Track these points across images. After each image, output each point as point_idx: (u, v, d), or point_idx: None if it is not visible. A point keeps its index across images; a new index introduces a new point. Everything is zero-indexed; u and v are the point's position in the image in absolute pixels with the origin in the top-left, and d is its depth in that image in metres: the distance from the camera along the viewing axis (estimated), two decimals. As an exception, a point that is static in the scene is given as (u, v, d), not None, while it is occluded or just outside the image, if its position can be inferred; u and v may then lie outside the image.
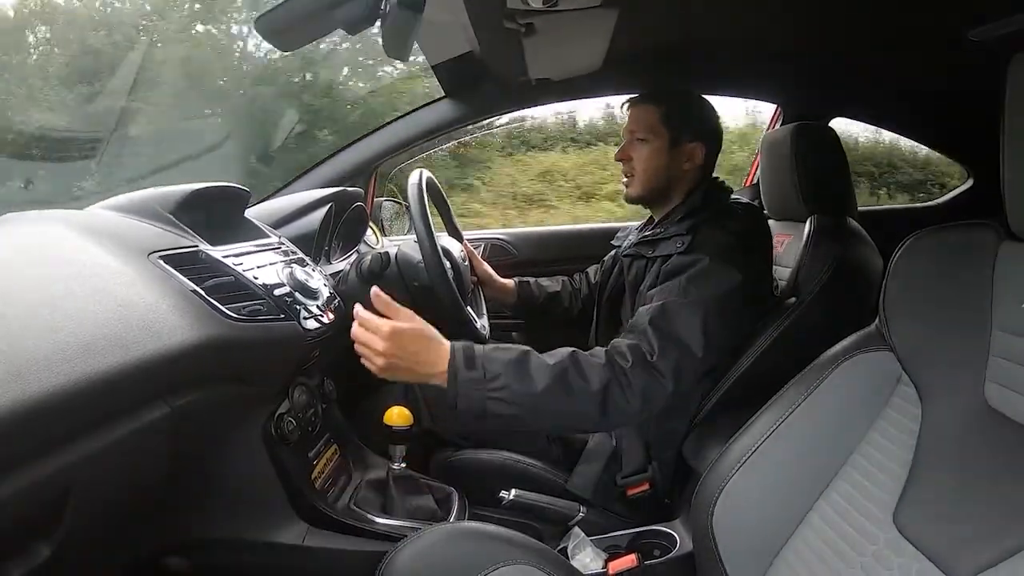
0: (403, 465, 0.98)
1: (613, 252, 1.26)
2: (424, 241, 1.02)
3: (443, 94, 1.44)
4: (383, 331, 0.82)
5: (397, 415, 1.00)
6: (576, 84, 1.39)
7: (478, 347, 0.84)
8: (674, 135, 1.06)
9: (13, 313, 0.54)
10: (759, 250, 1.03)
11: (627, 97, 1.13)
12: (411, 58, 1.52)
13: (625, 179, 1.12)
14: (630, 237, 1.19)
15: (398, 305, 0.84)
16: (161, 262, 0.72)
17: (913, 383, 0.60)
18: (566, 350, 0.88)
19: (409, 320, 0.84)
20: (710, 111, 1.11)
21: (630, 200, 1.13)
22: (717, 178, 1.11)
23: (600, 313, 1.21)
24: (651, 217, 1.17)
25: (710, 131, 1.09)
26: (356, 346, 0.85)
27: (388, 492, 1.00)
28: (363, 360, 0.85)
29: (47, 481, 0.53)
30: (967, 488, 0.53)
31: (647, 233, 1.10)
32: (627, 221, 1.57)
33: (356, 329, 0.85)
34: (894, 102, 1.47)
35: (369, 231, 1.49)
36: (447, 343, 0.84)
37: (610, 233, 1.31)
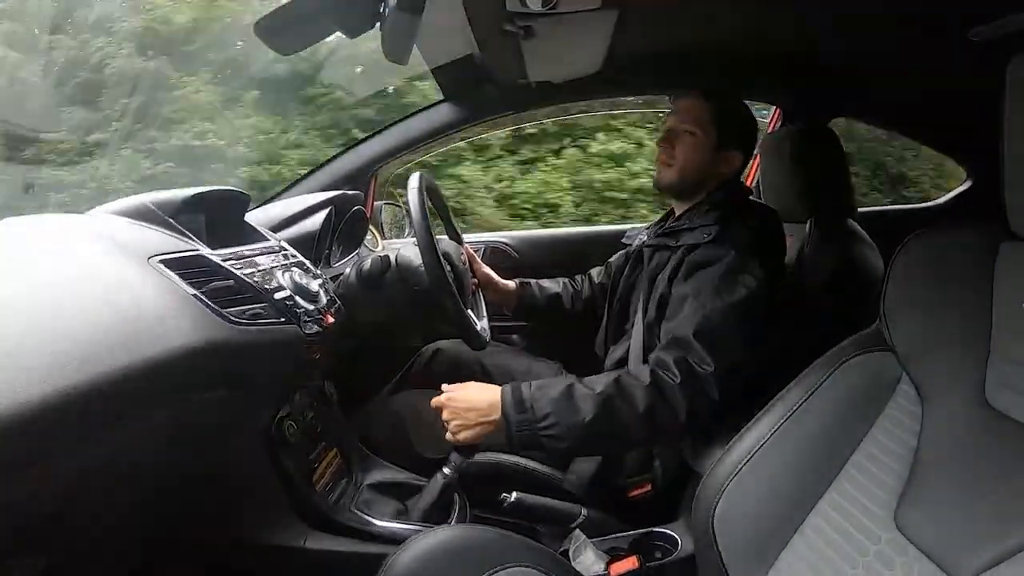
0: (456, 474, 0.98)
1: (624, 251, 1.25)
2: (424, 244, 1.02)
3: (442, 97, 1.45)
4: (440, 401, 0.95)
5: None
6: (576, 86, 1.39)
7: (525, 387, 0.91)
8: (721, 137, 1.05)
9: (14, 317, 0.54)
10: (776, 253, 1.03)
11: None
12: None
13: (662, 165, 1.09)
14: (641, 236, 1.18)
15: (447, 386, 0.96)
16: (162, 266, 0.72)
17: (913, 383, 0.60)
18: (612, 375, 0.91)
19: (457, 387, 0.96)
20: (754, 122, 1.12)
21: (662, 186, 1.10)
22: (736, 178, 1.11)
23: (611, 312, 1.20)
24: (668, 212, 1.17)
25: (750, 142, 1.10)
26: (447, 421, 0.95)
27: (389, 494, 1.00)
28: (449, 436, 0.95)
29: (49, 484, 0.54)
30: (968, 488, 0.53)
31: (670, 224, 1.10)
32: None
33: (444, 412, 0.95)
34: (894, 102, 1.47)
35: (369, 234, 1.49)
36: (496, 388, 0.92)
37: (611, 236, 1.31)
